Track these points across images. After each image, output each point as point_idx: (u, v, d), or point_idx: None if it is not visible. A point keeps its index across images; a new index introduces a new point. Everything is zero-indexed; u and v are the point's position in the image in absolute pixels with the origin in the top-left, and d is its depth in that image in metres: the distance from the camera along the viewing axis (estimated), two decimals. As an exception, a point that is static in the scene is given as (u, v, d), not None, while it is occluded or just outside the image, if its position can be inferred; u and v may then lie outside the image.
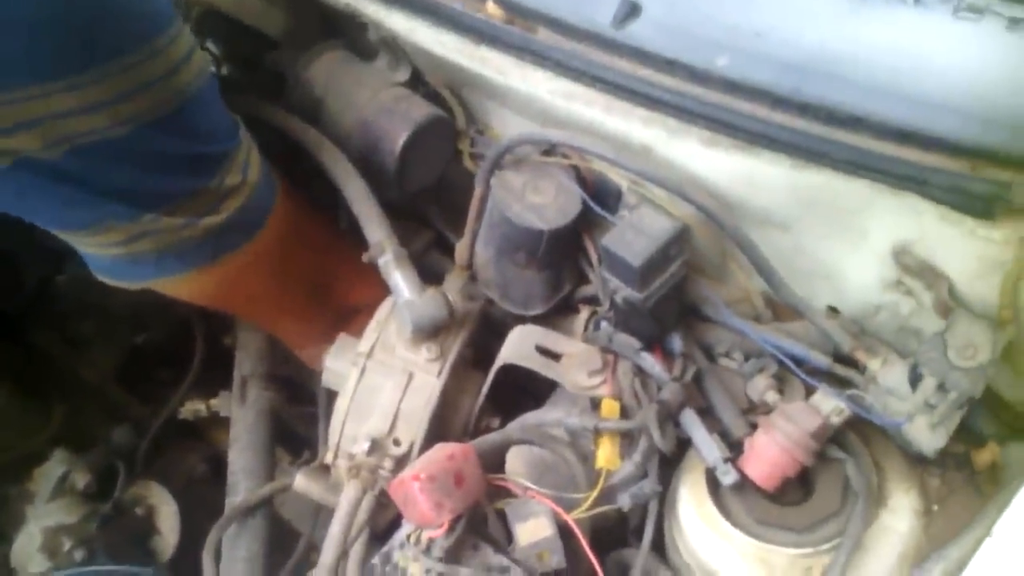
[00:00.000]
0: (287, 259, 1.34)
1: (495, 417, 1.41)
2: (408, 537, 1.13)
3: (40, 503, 1.54)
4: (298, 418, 1.68)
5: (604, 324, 1.29)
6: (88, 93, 0.93)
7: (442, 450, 1.12)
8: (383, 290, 1.40)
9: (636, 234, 1.13)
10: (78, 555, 1.49)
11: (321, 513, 1.57)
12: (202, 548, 1.45)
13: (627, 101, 1.17)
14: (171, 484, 1.67)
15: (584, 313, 1.40)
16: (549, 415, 1.26)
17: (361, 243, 1.42)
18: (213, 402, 1.66)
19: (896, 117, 1.05)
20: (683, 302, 1.27)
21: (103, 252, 1.13)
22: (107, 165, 1.01)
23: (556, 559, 1.14)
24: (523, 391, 1.43)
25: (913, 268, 1.12)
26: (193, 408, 1.68)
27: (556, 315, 1.42)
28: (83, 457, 1.60)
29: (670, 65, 1.14)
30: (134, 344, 1.79)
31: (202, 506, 1.66)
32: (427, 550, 1.10)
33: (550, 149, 1.32)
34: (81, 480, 1.57)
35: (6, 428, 1.59)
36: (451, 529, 1.10)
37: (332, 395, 1.54)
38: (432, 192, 1.52)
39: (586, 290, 1.41)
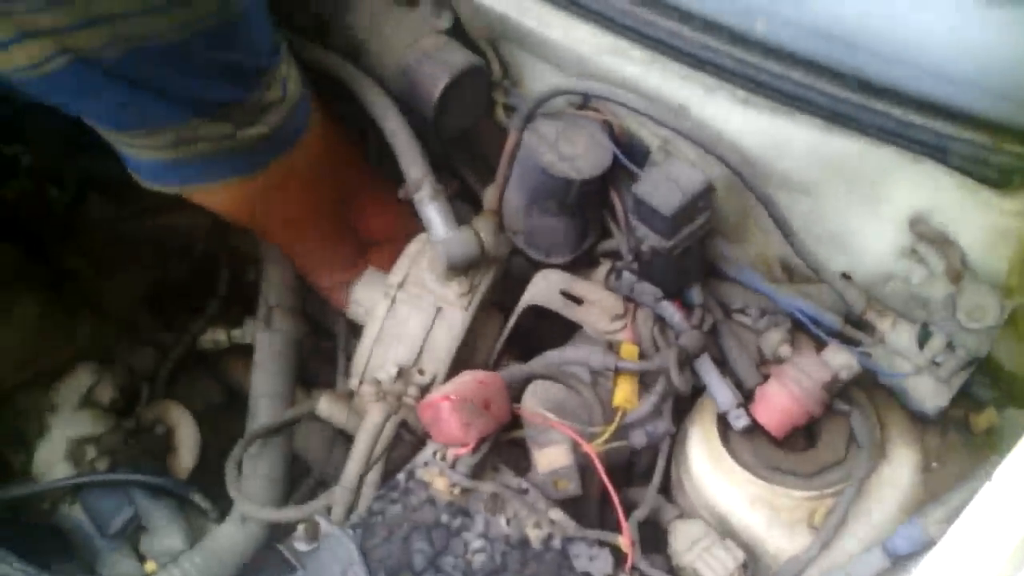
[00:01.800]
0: (316, 181, 1.38)
1: (514, 358, 1.47)
2: (434, 454, 1.19)
3: (65, 413, 1.58)
4: (314, 354, 1.74)
5: (626, 273, 1.34)
6: None
7: (472, 375, 1.18)
8: (405, 226, 1.45)
9: (668, 184, 1.18)
10: (101, 464, 1.53)
11: (335, 447, 1.63)
12: (218, 470, 1.50)
13: (667, 58, 1.22)
14: (190, 409, 1.71)
15: (605, 266, 1.45)
16: (572, 354, 1.31)
17: (389, 179, 1.47)
18: (235, 332, 1.71)
19: (926, 89, 1.10)
20: (703, 258, 1.33)
21: (149, 155, 1.17)
22: (162, 68, 1.06)
23: (572, 486, 1.20)
24: (540, 336, 1.49)
25: (928, 236, 1.18)
26: (214, 337, 1.73)
27: (577, 266, 1.47)
28: (108, 373, 1.64)
29: (710, 26, 1.19)
30: (159, 275, 1.83)
31: (218, 432, 1.71)
32: (452, 466, 1.16)
33: (583, 104, 1.37)
34: (106, 394, 1.61)
35: (34, 341, 1.62)
36: (476, 449, 1.15)
37: (352, 330, 1.60)
38: (461, 141, 1.57)
39: (607, 244, 1.46)
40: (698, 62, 1.21)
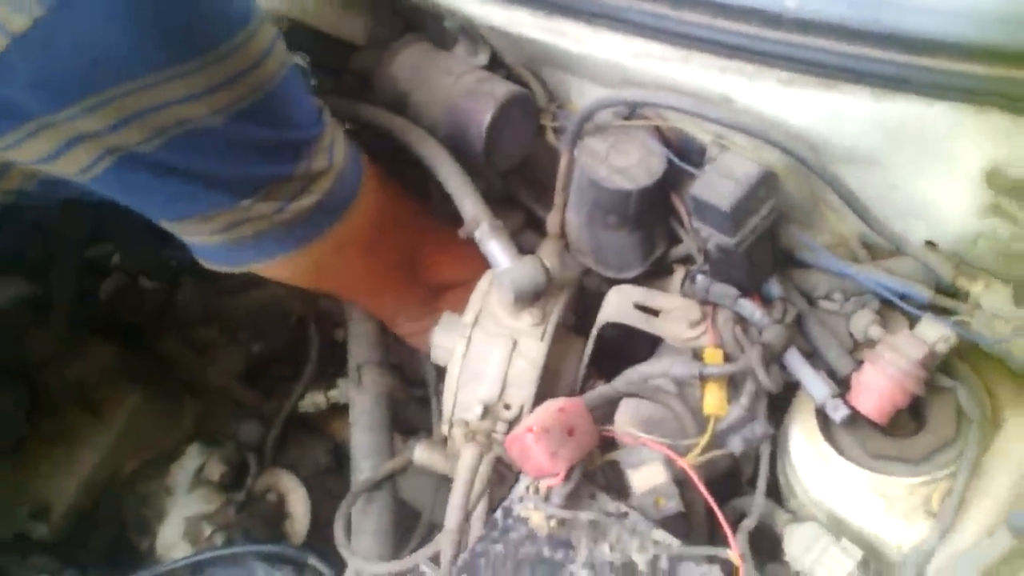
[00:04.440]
0: (378, 239, 1.39)
1: (600, 379, 1.44)
2: (527, 489, 1.17)
3: (179, 495, 1.64)
4: (408, 402, 1.75)
5: (700, 277, 1.31)
6: (186, 84, 0.99)
7: (553, 404, 1.16)
8: (474, 267, 1.45)
9: (723, 179, 1.15)
10: (219, 539, 1.57)
11: (440, 490, 1.63)
12: (331, 529, 1.53)
13: (702, 52, 1.20)
14: (298, 474, 1.75)
15: (679, 273, 1.42)
16: (654, 367, 1.29)
17: (451, 224, 1.48)
18: (332, 393, 1.74)
19: (976, 36, 1.04)
20: (777, 248, 1.29)
21: (206, 240, 1.20)
22: (202, 155, 1.08)
23: (673, 504, 1.17)
24: (623, 354, 1.47)
25: (1009, 188, 1.11)
26: (314, 400, 1.77)
27: (652, 277, 1.45)
28: (216, 450, 1.69)
29: (742, 13, 1.16)
30: (254, 350, 1.88)
31: (328, 494, 1.74)
32: (546, 499, 1.14)
33: (630, 114, 1.35)
34: (216, 471, 1.66)
35: (142, 428, 1.69)
36: (567, 478, 1.13)
37: (440, 375, 1.60)
38: (519, 172, 1.57)
39: (679, 250, 1.44)
40: (734, 50, 1.17)
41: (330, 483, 1.77)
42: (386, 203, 1.39)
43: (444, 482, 1.60)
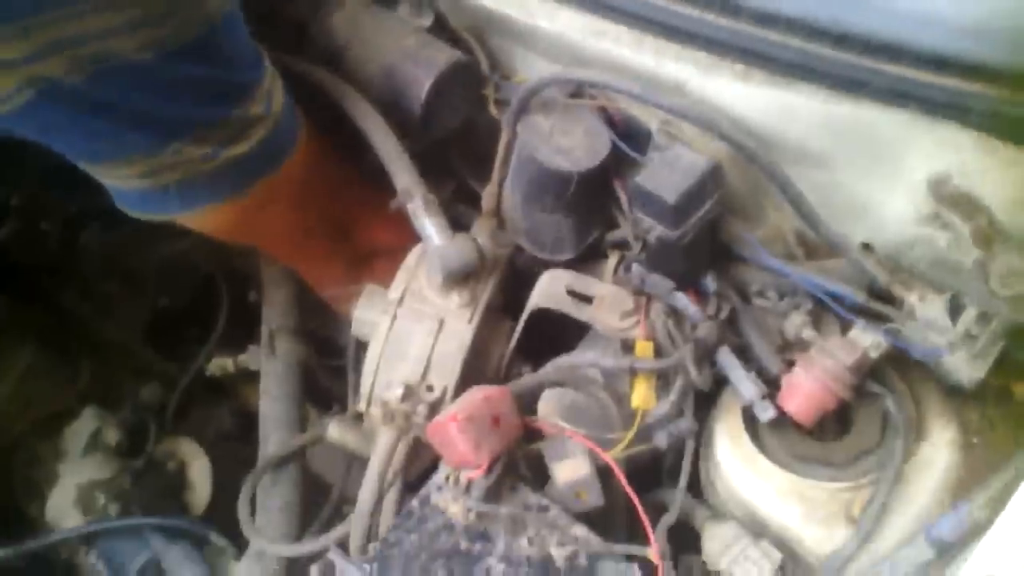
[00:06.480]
0: (308, 195, 1.33)
1: (526, 364, 1.40)
2: (447, 479, 1.13)
3: (72, 460, 1.55)
4: (325, 372, 1.68)
5: (635, 266, 1.28)
6: (115, 15, 0.92)
7: (478, 392, 1.12)
8: (403, 235, 1.39)
9: (670, 171, 1.12)
10: (112, 509, 1.50)
11: (353, 465, 1.58)
12: (235, 501, 1.46)
13: (658, 36, 1.16)
14: (201, 440, 1.68)
15: (613, 258, 1.38)
16: (583, 357, 1.25)
17: (382, 190, 1.42)
18: (241, 357, 1.67)
19: (935, 44, 1.03)
20: (716, 241, 1.26)
21: (129, 184, 1.12)
22: (131, 91, 1.00)
23: (594, 497, 1.15)
24: (551, 339, 1.43)
25: (951, 199, 1.10)
26: (220, 364, 1.69)
27: (585, 261, 1.41)
28: (113, 414, 1.60)
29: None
30: (159, 304, 1.79)
31: (233, 461, 1.67)
32: (466, 491, 1.10)
33: (577, 91, 1.30)
34: (112, 436, 1.58)
35: (34, 386, 1.59)
36: (490, 470, 1.09)
37: (361, 346, 1.55)
38: (455, 140, 1.51)
39: (615, 235, 1.39)
40: (691, 38, 1.14)
41: (237, 450, 1.69)
42: (319, 159, 1.33)
43: (357, 460, 1.55)
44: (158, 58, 0.98)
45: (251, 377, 1.71)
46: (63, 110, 0.98)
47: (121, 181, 1.12)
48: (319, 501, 1.58)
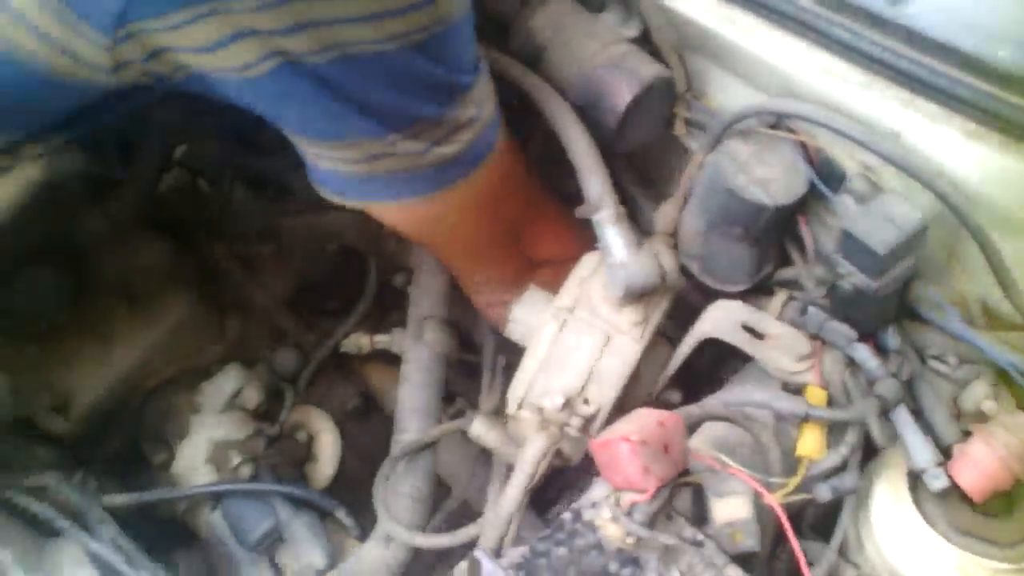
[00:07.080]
0: (497, 202, 1.32)
1: (676, 391, 1.38)
2: (607, 499, 1.10)
3: (209, 415, 1.56)
4: (455, 366, 1.68)
5: (813, 310, 1.25)
6: (359, 3, 0.94)
7: (653, 415, 1.09)
8: (573, 247, 1.38)
9: (883, 221, 1.08)
10: (244, 470, 1.50)
11: (476, 469, 1.57)
12: (353, 481, 1.46)
13: (887, 81, 1.12)
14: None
15: (780, 296, 1.34)
16: (754, 395, 1.22)
17: (554, 195, 1.40)
18: (379, 338, 1.66)
19: None
20: (903, 299, 1.22)
21: (341, 167, 1.13)
22: (368, 79, 1.02)
23: (751, 542, 1.11)
24: (701, 371, 1.41)
25: None
26: (356, 341, 1.69)
27: (750, 294, 1.38)
28: (255, 376, 1.61)
29: (942, 49, 1.08)
30: (306, 275, 1.80)
31: (354, 440, 1.67)
32: (628, 514, 1.08)
33: (776, 123, 1.27)
34: (253, 398, 1.58)
35: (184, 338, 1.61)
36: (654, 496, 1.07)
37: (502, 347, 1.54)
38: (630, 155, 1.49)
39: (785, 272, 1.36)
40: (922, 86, 1.10)
41: (357, 430, 1.69)
42: (513, 166, 1.32)
43: (481, 460, 1.54)
44: (397, 50, 0.99)
45: (380, 359, 1.72)
46: (302, 86, 1.00)
47: (336, 163, 1.14)
48: (437, 500, 1.57)
